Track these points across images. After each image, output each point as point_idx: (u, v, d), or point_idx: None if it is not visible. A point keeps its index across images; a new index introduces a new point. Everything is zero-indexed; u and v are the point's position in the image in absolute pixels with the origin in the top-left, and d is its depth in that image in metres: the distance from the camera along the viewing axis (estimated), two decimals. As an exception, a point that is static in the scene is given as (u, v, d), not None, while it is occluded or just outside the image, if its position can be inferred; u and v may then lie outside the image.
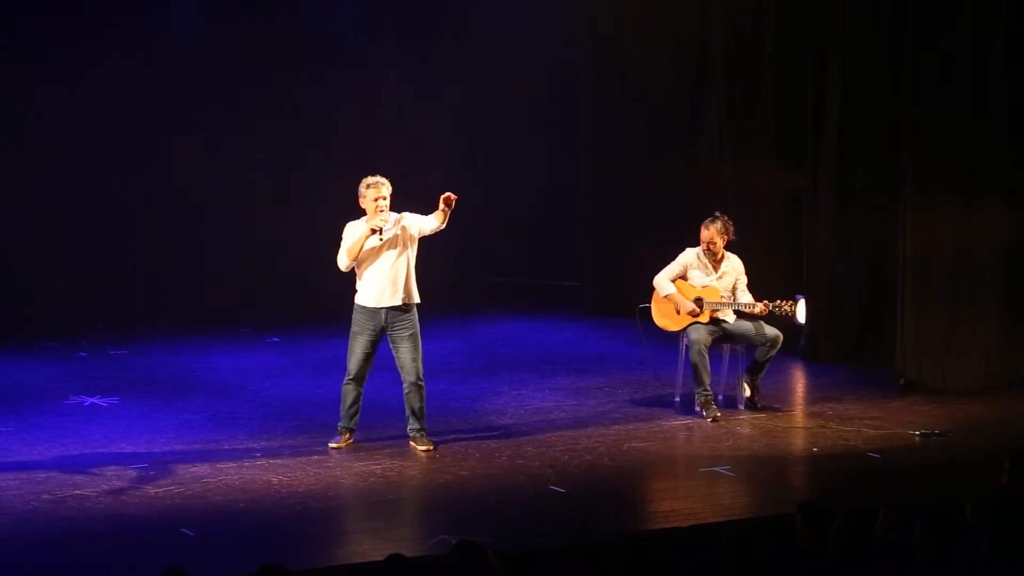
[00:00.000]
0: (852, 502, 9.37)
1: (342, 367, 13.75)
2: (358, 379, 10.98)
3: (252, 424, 11.85)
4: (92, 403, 12.51)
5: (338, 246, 10.92)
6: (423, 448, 10.94)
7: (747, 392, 12.25)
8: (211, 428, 11.71)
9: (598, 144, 16.78)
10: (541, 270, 17.99)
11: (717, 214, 12.15)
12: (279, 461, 10.76)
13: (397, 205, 10.94)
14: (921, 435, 11.43)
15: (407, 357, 10.87)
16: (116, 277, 16.09)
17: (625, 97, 16.38)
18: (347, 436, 11.05)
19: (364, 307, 10.88)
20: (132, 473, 10.42)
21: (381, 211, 10.76)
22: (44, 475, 10.37)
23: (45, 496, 9.88)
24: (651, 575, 6.95)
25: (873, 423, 11.79)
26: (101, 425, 11.81)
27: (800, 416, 12.27)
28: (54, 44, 15.83)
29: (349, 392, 11.01)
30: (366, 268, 10.84)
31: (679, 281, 12.13)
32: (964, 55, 12.65)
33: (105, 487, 10.06)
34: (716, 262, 12.09)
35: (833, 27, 13.80)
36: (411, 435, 11.03)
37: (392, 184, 10.97)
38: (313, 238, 17.13)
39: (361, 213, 10.94)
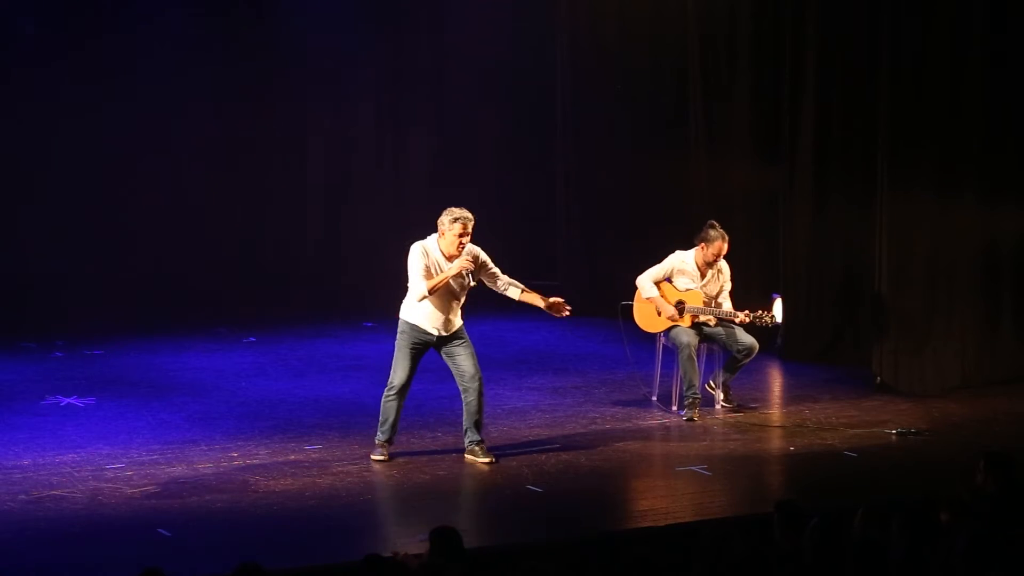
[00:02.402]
0: (829, 501, 9.40)
1: (319, 367, 13.83)
2: (403, 391, 10.70)
3: (229, 424, 11.83)
4: (68, 403, 12.47)
5: (405, 267, 10.55)
6: (484, 460, 10.67)
7: (720, 396, 12.28)
8: (188, 428, 11.69)
9: (576, 144, 16.80)
10: (519, 269, 17.96)
11: (717, 224, 12.07)
12: (256, 461, 10.74)
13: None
14: (897, 434, 11.46)
15: (466, 363, 10.66)
16: (92, 277, 16.06)
17: (603, 98, 16.40)
18: (387, 447, 10.77)
19: (414, 324, 10.63)
20: (109, 473, 10.39)
21: (462, 247, 10.52)
22: (21, 475, 10.34)
23: (22, 496, 9.85)
24: (628, 574, 6.95)
25: (850, 422, 11.82)
26: (78, 425, 11.78)
27: (777, 415, 12.30)
28: (31, 51, 15.94)
29: (392, 405, 10.69)
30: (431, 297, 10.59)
31: (662, 284, 12.10)
32: (939, 55, 12.69)
33: (82, 487, 10.04)
34: (706, 269, 12.06)
35: (808, 28, 13.84)
36: (468, 447, 10.79)
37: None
38: (291, 238, 17.26)
39: (429, 231, 10.65)
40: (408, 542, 8.71)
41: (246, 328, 15.58)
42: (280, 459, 10.80)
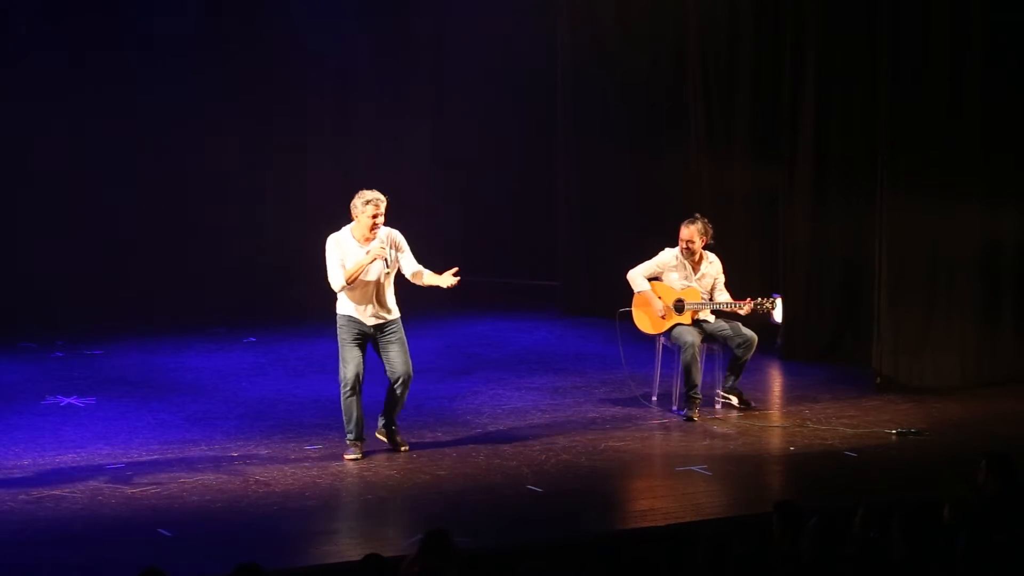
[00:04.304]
0: (829, 501, 9.39)
1: (319, 366, 13.81)
2: (357, 385, 10.72)
3: (229, 424, 11.83)
4: (69, 403, 12.48)
5: (323, 261, 10.64)
6: (401, 445, 10.90)
7: (734, 401, 12.23)
8: (188, 428, 11.69)
9: (576, 144, 16.79)
10: (519, 270, 17.99)
11: (697, 215, 12.16)
12: (256, 461, 10.74)
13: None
14: (898, 434, 11.46)
15: (398, 358, 10.71)
16: (92, 277, 16.07)
17: (603, 97, 16.39)
18: (360, 445, 10.83)
19: (350, 316, 10.70)
20: (109, 473, 10.39)
21: (376, 228, 10.53)
22: (21, 475, 10.35)
23: (22, 496, 9.85)
24: (628, 574, 6.95)
25: (850, 422, 11.82)
26: (78, 425, 11.78)
27: (777, 415, 12.28)
28: (31, 51, 15.95)
29: (352, 402, 10.73)
30: (353, 286, 10.65)
31: (659, 283, 12.10)
32: (938, 55, 12.69)
33: (82, 487, 10.04)
34: (695, 263, 12.07)
35: (809, 28, 13.83)
36: (378, 429, 10.92)
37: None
38: (291, 238, 17.25)
39: (344, 222, 10.69)
40: (407, 542, 8.71)
41: (246, 328, 15.59)
42: (280, 459, 10.80)
